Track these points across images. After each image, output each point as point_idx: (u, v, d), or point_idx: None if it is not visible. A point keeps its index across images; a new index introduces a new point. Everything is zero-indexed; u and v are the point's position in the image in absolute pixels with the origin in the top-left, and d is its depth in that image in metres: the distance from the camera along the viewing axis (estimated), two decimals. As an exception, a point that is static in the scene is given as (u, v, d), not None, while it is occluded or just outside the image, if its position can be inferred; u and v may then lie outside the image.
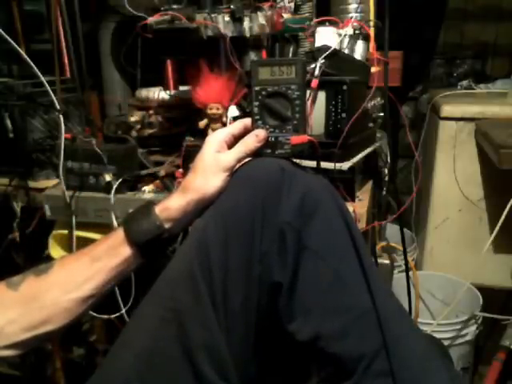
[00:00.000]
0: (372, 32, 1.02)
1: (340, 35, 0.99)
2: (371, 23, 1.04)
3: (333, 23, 1.00)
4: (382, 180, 1.18)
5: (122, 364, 0.59)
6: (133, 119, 1.15)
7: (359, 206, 0.93)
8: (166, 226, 0.63)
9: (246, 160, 0.63)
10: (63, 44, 1.16)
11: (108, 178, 0.95)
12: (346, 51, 1.00)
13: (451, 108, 1.49)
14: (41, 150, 1.08)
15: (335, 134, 0.87)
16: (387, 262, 1.16)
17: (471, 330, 1.34)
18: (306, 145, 0.62)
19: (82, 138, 1.03)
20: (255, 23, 0.94)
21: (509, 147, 1.15)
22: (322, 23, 1.01)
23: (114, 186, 0.94)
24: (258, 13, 0.95)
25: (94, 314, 1.04)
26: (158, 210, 0.63)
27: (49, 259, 0.99)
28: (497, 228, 1.21)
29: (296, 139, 0.62)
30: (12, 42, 0.91)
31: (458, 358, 1.34)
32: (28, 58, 0.93)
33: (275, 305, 0.58)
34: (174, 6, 0.94)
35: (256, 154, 0.63)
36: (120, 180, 0.95)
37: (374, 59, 0.99)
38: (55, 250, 1.03)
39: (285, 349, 0.62)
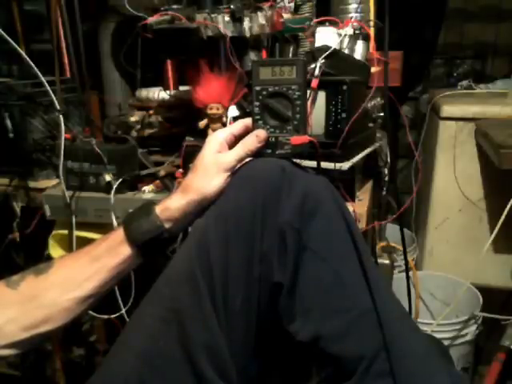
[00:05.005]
0: (372, 32, 1.02)
1: (340, 35, 0.99)
2: (371, 23, 1.04)
3: (333, 23, 1.00)
4: (382, 180, 1.18)
5: (122, 364, 0.59)
6: (133, 119, 1.15)
7: (359, 206, 0.93)
8: (166, 225, 0.63)
9: (247, 160, 0.63)
10: (63, 44, 1.16)
11: (108, 178, 0.95)
12: (346, 51, 1.00)
13: (451, 108, 1.49)
14: (41, 150, 1.08)
15: (335, 134, 0.87)
16: (387, 262, 1.16)
17: (471, 330, 1.34)
18: (306, 145, 0.62)
19: (82, 138, 1.03)
20: (255, 23, 0.94)
21: (509, 147, 1.16)
22: (322, 23, 1.01)
23: (114, 186, 0.94)
24: (258, 13, 0.94)
25: (94, 314, 1.04)
26: (158, 209, 0.63)
27: (49, 259, 0.99)
28: (497, 228, 1.21)
29: (296, 139, 0.62)
30: (12, 42, 0.91)
31: (457, 358, 1.34)
32: (28, 58, 0.93)
33: (276, 305, 0.57)
34: (174, 6, 0.94)
35: (256, 154, 0.63)
36: (120, 180, 0.95)
37: (374, 59, 0.99)
38: (55, 250, 1.03)
39: (285, 349, 0.62)
